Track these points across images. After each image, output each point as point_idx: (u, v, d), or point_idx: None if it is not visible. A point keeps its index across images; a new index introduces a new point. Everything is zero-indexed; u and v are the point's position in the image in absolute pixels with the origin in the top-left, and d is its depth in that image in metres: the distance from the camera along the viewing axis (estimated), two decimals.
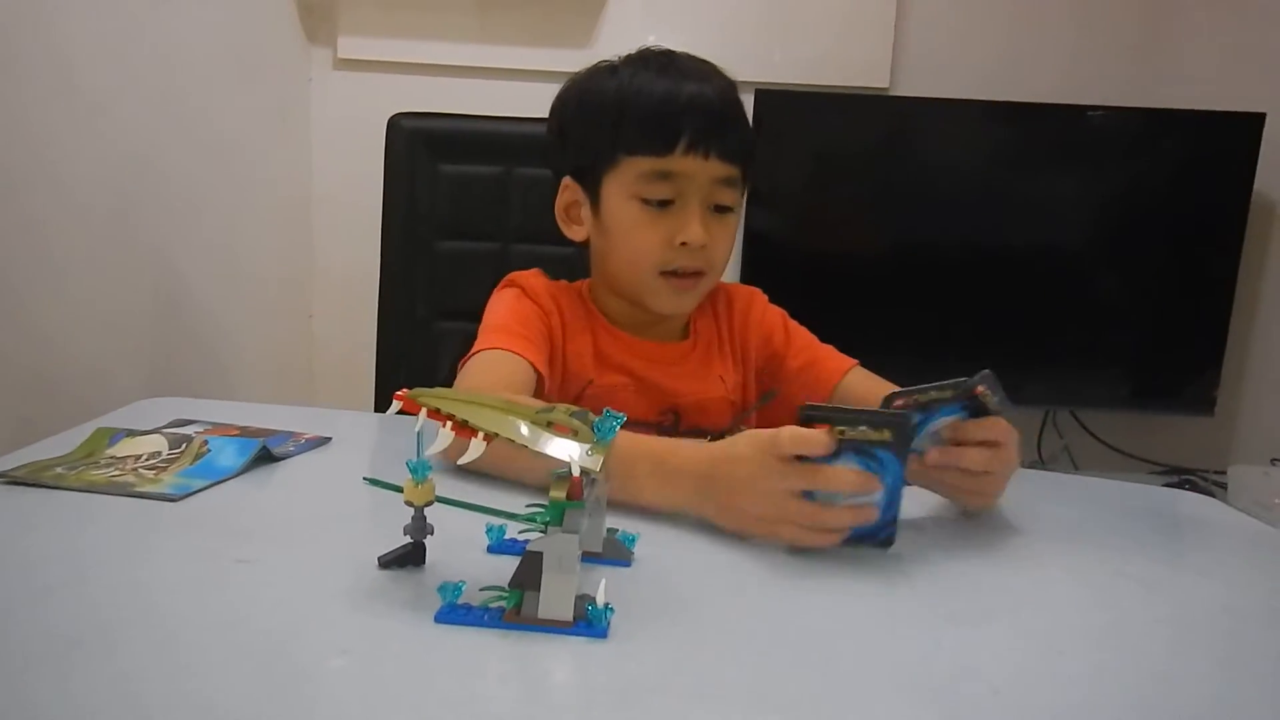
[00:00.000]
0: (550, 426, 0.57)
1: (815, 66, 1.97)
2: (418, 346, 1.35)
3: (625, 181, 0.96)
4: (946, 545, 0.72)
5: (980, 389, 0.70)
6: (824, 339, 1.09)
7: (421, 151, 1.36)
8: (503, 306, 1.00)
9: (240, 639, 0.52)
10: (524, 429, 0.57)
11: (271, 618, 0.55)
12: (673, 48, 1.01)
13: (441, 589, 0.55)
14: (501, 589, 0.55)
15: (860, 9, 1.97)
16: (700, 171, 0.94)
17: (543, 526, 0.55)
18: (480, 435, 0.57)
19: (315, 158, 2.04)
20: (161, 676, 0.48)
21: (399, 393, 0.58)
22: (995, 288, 1.93)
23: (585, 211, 1.01)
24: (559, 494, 0.55)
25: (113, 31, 1.40)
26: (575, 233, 1.03)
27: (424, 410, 0.57)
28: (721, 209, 0.97)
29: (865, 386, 1.03)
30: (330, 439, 0.91)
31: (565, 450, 0.56)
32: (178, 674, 0.48)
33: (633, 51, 1.00)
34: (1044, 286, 1.95)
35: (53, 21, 1.28)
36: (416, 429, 0.58)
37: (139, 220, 1.47)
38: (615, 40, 1.99)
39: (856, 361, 1.05)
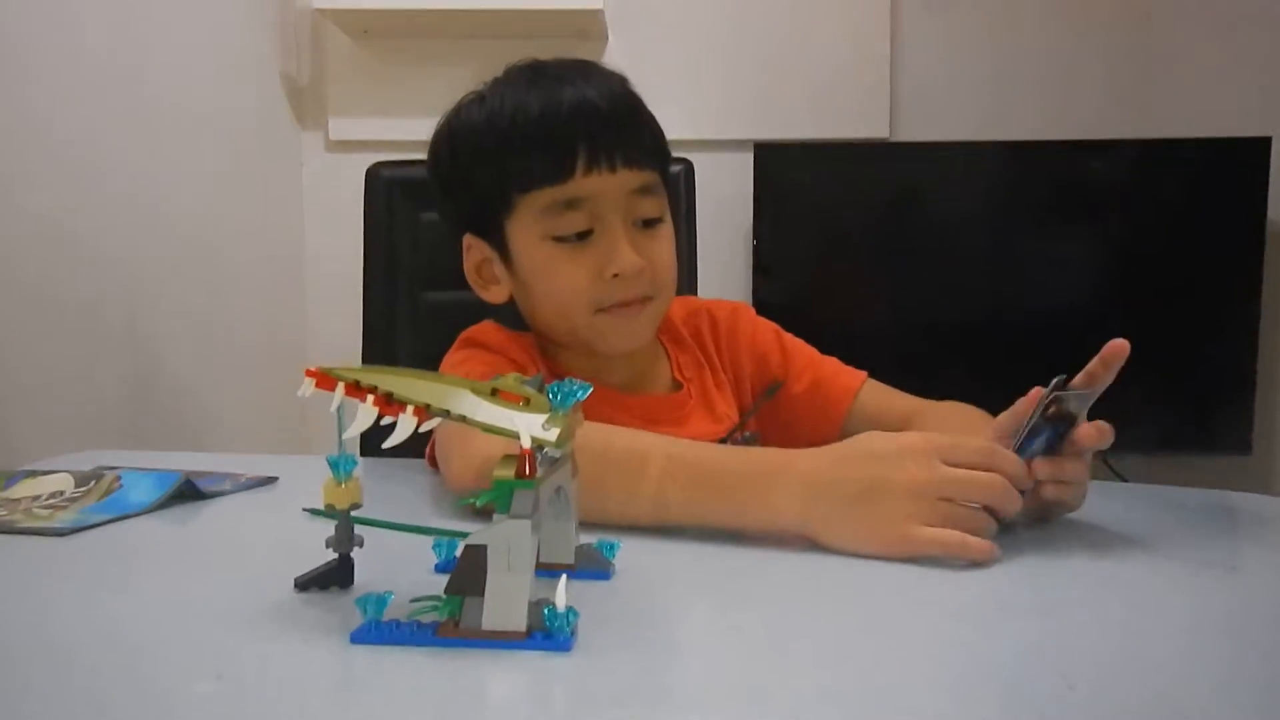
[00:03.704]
0: (495, 395, 0.47)
1: (813, 119, 1.92)
2: None
3: (529, 223, 0.82)
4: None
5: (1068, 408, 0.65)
6: None
7: (400, 201, 1.30)
8: (474, 363, 0.83)
9: (92, 665, 0.41)
10: (462, 399, 0.46)
11: (131, 640, 0.44)
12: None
13: (361, 601, 0.44)
14: (436, 598, 0.44)
15: (855, 58, 1.93)
16: (611, 188, 0.80)
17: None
18: (409, 410, 0.47)
19: (308, 241, 1.97)
20: None
21: (310, 369, 0.48)
22: (1011, 332, 1.83)
23: (498, 268, 0.87)
24: (505, 473, 0.44)
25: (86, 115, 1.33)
26: (494, 294, 0.88)
27: (340, 385, 0.47)
28: (649, 223, 0.83)
29: (883, 403, 0.93)
30: (276, 479, 0.80)
31: (512, 419, 0.45)
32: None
33: (499, 74, 0.86)
34: (1060, 330, 1.84)
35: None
36: (333, 408, 0.47)
37: (112, 310, 1.37)
38: None
39: (866, 374, 0.95)
